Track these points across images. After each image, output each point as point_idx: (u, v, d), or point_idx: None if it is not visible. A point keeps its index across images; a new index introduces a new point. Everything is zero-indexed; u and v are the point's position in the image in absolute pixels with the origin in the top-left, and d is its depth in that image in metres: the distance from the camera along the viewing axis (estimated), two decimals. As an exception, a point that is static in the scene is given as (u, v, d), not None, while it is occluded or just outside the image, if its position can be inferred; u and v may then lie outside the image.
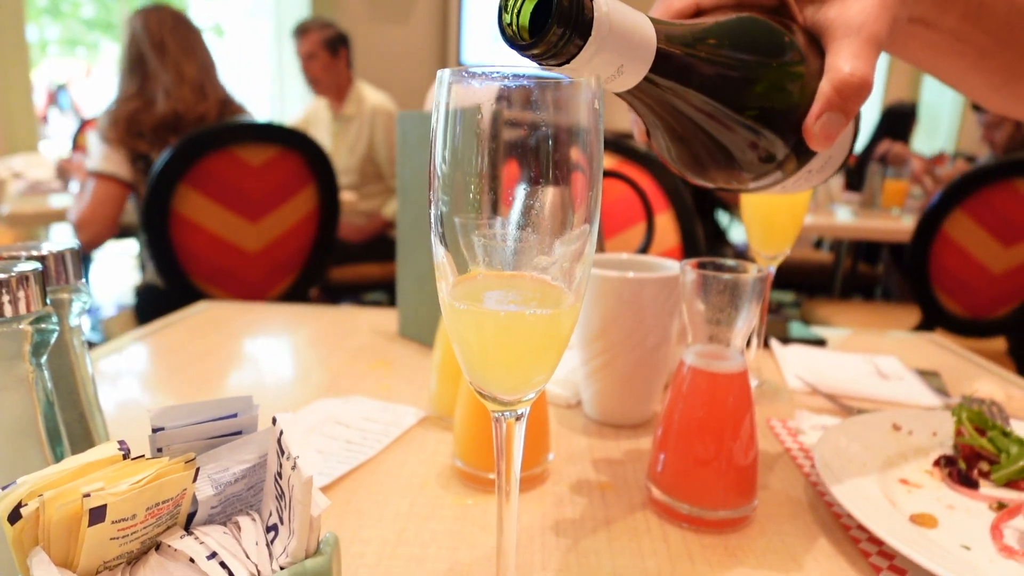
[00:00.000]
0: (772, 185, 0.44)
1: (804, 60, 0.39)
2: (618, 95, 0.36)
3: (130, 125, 1.68)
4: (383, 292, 2.85)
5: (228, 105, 1.82)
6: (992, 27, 0.45)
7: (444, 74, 0.29)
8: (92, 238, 1.73)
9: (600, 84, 0.30)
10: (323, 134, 2.84)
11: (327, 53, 2.68)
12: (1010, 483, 0.54)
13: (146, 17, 1.73)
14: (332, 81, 2.73)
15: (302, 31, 2.71)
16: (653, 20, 0.34)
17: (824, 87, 0.38)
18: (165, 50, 1.71)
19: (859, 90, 0.38)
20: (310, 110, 2.94)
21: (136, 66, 1.74)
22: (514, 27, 0.31)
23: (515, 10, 0.31)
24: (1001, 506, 0.51)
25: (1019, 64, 0.47)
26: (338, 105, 2.78)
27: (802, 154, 0.41)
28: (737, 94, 0.37)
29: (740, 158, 0.40)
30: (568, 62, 0.31)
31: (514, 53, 0.31)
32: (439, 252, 0.31)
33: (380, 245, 2.71)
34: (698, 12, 0.41)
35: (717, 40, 0.37)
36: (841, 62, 0.38)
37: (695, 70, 0.36)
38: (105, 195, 1.69)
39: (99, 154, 1.68)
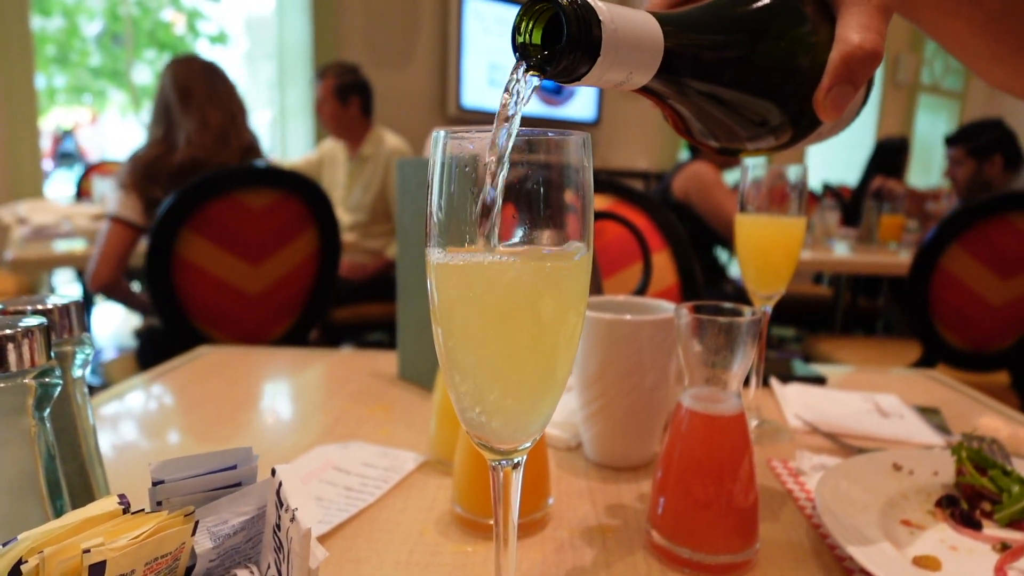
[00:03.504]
0: (780, 149, 0.44)
1: (815, 29, 0.39)
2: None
3: (148, 171, 1.73)
4: (384, 332, 2.85)
5: (251, 152, 1.86)
6: None
7: (439, 135, 0.30)
8: (96, 278, 1.76)
9: (588, 139, 0.31)
10: (339, 172, 2.88)
11: (336, 100, 2.72)
12: (1013, 523, 0.54)
13: (176, 67, 1.81)
14: (341, 127, 2.77)
15: (319, 76, 2.76)
16: (659, 16, 0.34)
17: (834, 58, 0.38)
18: (190, 96, 1.77)
19: (869, 61, 0.38)
20: (326, 149, 2.99)
21: (162, 115, 1.80)
22: (528, 46, 0.32)
23: (528, 31, 0.32)
24: (1005, 547, 0.50)
25: (1023, 34, 0.47)
26: (353, 147, 2.83)
27: (814, 120, 0.41)
28: (747, 75, 0.38)
29: (750, 125, 0.41)
30: (580, 79, 0.32)
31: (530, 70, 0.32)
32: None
33: (382, 284, 2.72)
34: None
35: (726, 24, 0.37)
36: (851, 32, 0.38)
37: (704, 61, 0.36)
38: (114, 238, 1.74)
39: (114, 200, 1.75)
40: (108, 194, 1.77)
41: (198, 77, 1.79)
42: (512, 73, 0.31)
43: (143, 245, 1.80)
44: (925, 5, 0.46)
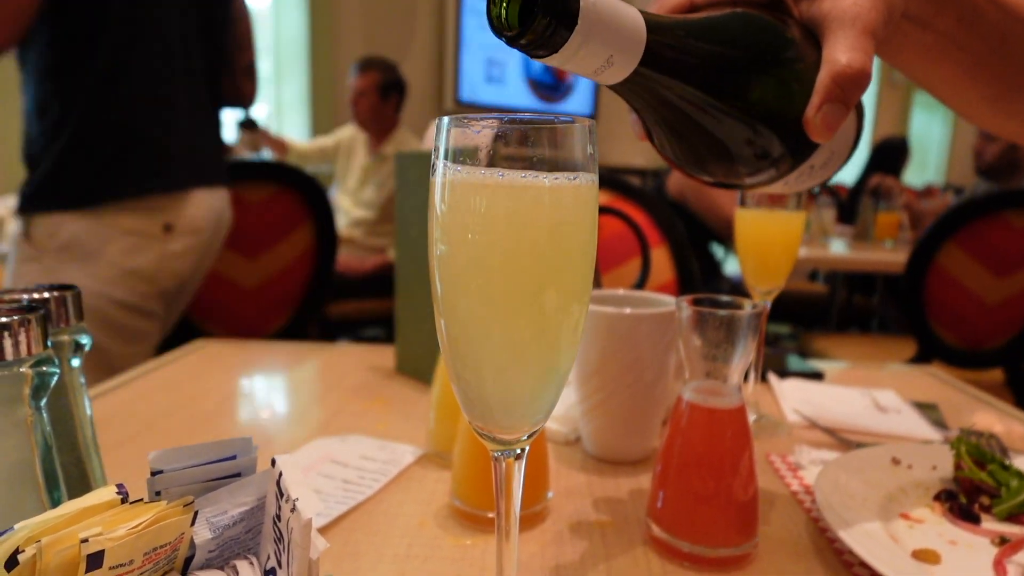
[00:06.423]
0: (773, 181, 0.44)
1: (800, 53, 0.39)
2: (613, 89, 0.36)
3: None
4: (381, 328, 2.85)
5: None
6: (986, 33, 0.45)
7: (443, 121, 0.30)
8: None
9: (593, 127, 0.31)
10: (354, 164, 2.90)
11: (378, 95, 2.76)
12: (1011, 517, 0.54)
13: None
14: (375, 122, 2.82)
15: (362, 68, 2.80)
16: (644, 13, 0.34)
17: (823, 78, 0.38)
18: None
19: (858, 80, 0.38)
20: (345, 136, 3.00)
21: None
22: (502, 18, 0.31)
23: (503, 2, 0.31)
24: (1003, 541, 0.51)
25: (1012, 76, 0.47)
26: (376, 143, 2.85)
27: (803, 148, 0.41)
28: (733, 88, 0.37)
29: (739, 153, 0.40)
30: (555, 52, 0.31)
31: (503, 43, 0.31)
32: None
33: (379, 280, 2.72)
34: (692, 8, 0.41)
35: (711, 34, 0.37)
36: (838, 53, 0.38)
37: (688, 64, 0.36)
38: None
39: None
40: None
41: None
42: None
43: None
44: (910, 48, 0.46)
